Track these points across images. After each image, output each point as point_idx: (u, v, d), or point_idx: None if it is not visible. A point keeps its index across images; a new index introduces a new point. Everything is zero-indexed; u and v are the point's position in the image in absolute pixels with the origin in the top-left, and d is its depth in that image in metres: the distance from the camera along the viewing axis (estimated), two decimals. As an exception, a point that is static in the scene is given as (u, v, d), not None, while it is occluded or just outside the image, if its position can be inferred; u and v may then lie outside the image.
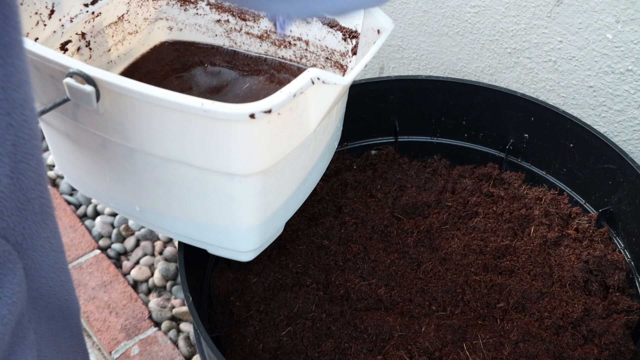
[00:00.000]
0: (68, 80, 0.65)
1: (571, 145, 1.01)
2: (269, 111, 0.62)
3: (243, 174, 0.70)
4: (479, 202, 1.05)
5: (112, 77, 0.64)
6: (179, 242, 0.86)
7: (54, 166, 1.75)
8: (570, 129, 0.99)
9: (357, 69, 0.69)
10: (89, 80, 0.64)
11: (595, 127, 0.99)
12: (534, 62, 1.03)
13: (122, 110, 0.68)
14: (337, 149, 1.10)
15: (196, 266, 0.91)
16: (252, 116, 0.62)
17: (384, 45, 1.27)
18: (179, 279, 1.47)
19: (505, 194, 1.06)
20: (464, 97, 1.07)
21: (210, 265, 0.96)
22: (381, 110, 1.10)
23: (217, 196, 0.74)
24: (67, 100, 0.68)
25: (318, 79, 0.66)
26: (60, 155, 0.88)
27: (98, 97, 0.66)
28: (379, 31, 0.76)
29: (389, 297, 0.92)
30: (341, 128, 0.98)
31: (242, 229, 0.79)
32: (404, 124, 1.12)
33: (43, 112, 0.71)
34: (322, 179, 1.06)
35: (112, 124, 0.70)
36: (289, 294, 0.92)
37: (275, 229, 0.85)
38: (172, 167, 0.73)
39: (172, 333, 1.39)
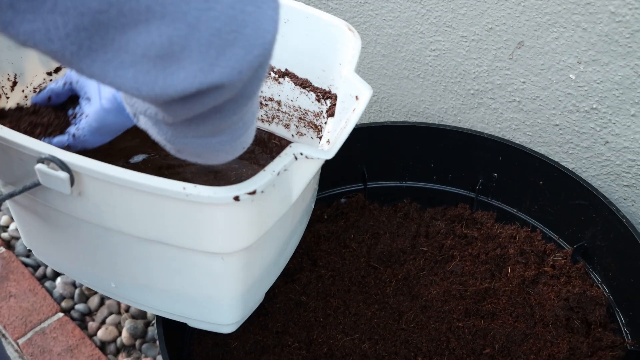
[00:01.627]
0: (40, 166, 0.62)
1: (541, 182, 1.02)
2: (254, 192, 0.61)
3: (226, 253, 0.69)
4: (454, 245, 1.05)
5: (88, 163, 0.63)
6: (157, 317, 0.83)
7: (7, 227, 1.68)
8: (538, 166, 1.01)
9: (341, 140, 0.69)
10: (62, 165, 0.60)
11: (563, 163, 1.01)
12: (498, 103, 1.03)
13: (99, 193, 0.66)
14: None
15: (175, 335, 0.88)
16: (236, 198, 0.60)
17: (344, 90, 1.26)
18: (148, 336, 1.42)
19: (479, 234, 1.06)
20: (431, 140, 1.08)
21: (188, 332, 0.92)
22: (349, 158, 1.08)
23: (199, 273, 0.73)
24: (37, 184, 0.64)
25: (301, 154, 0.65)
26: (27, 231, 0.85)
27: (72, 182, 0.63)
28: (357, 97, 0.74)
29: (374, 352, 0.92)
30: (317, 189, 0.97)
31: (224, 303, 0.78)
32: (372, 170, 1.12)
33: (11, 196, 0.67)
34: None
35: (87, 206, 0.68)
36: (271, 357, 0.91)
37: (256, 299, 0.84)
38: (152, 246, 0.71)
39: (145, 395, 1.33)
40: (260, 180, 0.61)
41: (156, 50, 0.41)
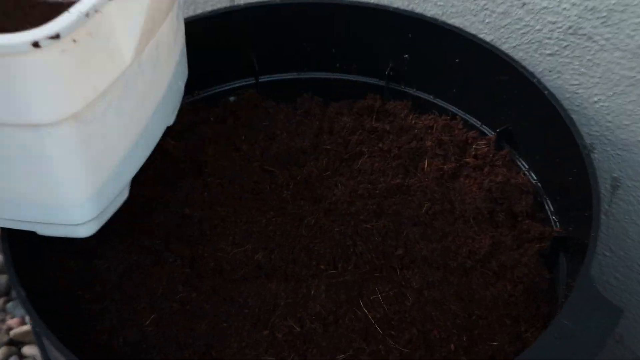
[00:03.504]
0: None
1: (457, 60, 1.05)
2: (57, 36, 0.61)
3: (48, 122, 0.69)
4: (362, 141, 1.08)
5: None
6: (1, 229, 0.84)
7: None
8: (453, 41, 1.04)
9: None
10: None
11: (481, 35, 1.04)
12: (404, -31, 1.05)
13: None
14: (188, 99, 1.12)
15: (29, 259, 0.89)
16: (36, 45, 0.60)
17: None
18: (13, 293, 1.44)
19: (391, 127, 1.09)
20: (328, 21, 1.10)
21: (45, 256, 0.94)
22: (234, 48, 1.11)
23: (31, 157, 0.73)
24: None
25: None
26: None
27: None
28: None
29: (268, 262, 0.94)
30: (185, 65, 0.99)
31: (69, 195, 0.78)
32: (264, 62, 1.14)
33: None
34: (172, 138, 1.07)
35: None
36: (149, 276, 0.92)
37: (114, 192, 0.85)
38: None
39: (12, 359, 1.36)
40: (63, 21, 0.61)
41: None
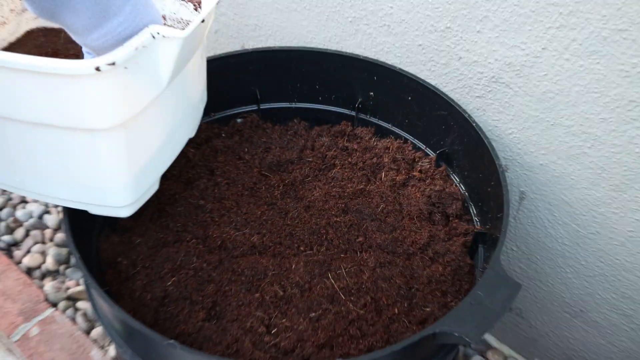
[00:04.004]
0: None
1: (410, 98, 1.10)
2: (114, 64, 0.66)
3: (104, 128, 0.73)
4: (336, 156, 1.13)
5: None
6: (63, 208, 0.88)
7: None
8: (407, 84, 1.08)
9: (195, 24, 0.73)
10: None
11: (428, 80, 1.09)
12: (372, 28, 1.11)
13: None
14: (205, 119, 1.15)
15: (83, 234, 0.93)
16: (97, 69, 0.65)
17: (242, 25, 1.33)
18: (72, 261, 1.48)
19: (358, 146, 1.14)
20: (315, 64, 1.14)
21: (95, 232, 0.98)
22: (243, 81, 1.15)
23: (88, 154, 0.77)
24: None
25: (158, 33, 0.69)
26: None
27: None
28: None
29: (261, 243, 0.99)
30: (205, 92, 1.03)
31: (115, 184, 0.82)
32: (265, 93, 1.19)
33: None
34: (193, 147, 1.11)
35: None
36: (171, 250, 0.97)
37: (148, 183, 0.89)
38: (40, 131, 0.74)
39: (69, 312, 1.40)
40: (119, 52, 0.66)
41: None
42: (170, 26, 0.98)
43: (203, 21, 0.75)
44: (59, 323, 1.36)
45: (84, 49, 0.80)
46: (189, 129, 0.98)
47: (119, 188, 0.83)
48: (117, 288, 0.93)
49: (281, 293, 0.92)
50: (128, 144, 0.79)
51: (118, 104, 0.72)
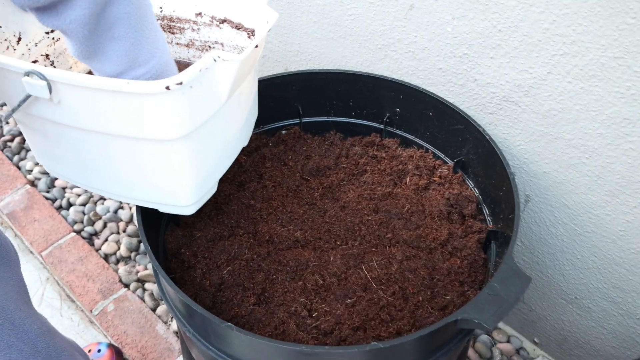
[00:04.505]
0: (25, 78, 0.65)
1: (431, 114, 1.06)
2: (181, 83, 0.64)
3: (171, 139, 0.72)
4: (367, 163, 1.09)
5: (58, 72, 0.66)
6: (137, 207, 0.87)
7: (32, 170, 1.70)
8: (428, 102, 1.05)
9: (250, 48, 0.71)
10: (41, 76, 0.64)
11: (447, 98, 1.05)
12: (399, 54, 1.08)
13: (72, 98, 0.69)
14: (255, 131, 1.13)
15: (152, 228, 0.92)
16: (167, 88, 0.64)
17: (286, 51, 1.30)
18: (140, 249, 1.47)
19: (386, 155, 1.11)
20: (349, 84, 1.11)
21: (162, 227, 0.97)
22: (287, 99, 1.13)
23: (157, 161, 0.76)
24: (29, 96, 0.68)
25: (219, 57, 0.68)
26: (35, 147, 0.88)
27: (50, 90, 0.66)
28: (267, 21, 0.78)
29: (303, 238, 0.96)
30: (256, 109, 1.00)
31: (181, 186, 0.80)
32: (306, 108, 1.16)
33: (14, 110, 0.70)
34: (244, 154, 1.08)
35: (66, 111, 0.71)
36: (226, 243, 0.94)
37: (209, 186, 0.87)
38: (118, 141, 0.74)
39: (139, 292, 1.39)
40: (185, 74, 0.64)
41: None
42: (228, 52, 0.96)
43: (256, 46, 0.73)
44: (131, 301, 1.34)
45: None
46: (243, 139, 0.96)
47: (184, 190, 0.81)
48: (181, 275, 0.91)
49: (321, 282, 0.89)
50: (193, 152, 0.77)
51: (184, 118, 0.71)
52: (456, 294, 0.88)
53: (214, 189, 0.90)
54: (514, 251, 1.18)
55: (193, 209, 0.85)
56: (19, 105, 0.70)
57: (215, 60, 0.67)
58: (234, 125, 0.88)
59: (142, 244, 1.40)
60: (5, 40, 0.86)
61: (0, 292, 0.72)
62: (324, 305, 0.86)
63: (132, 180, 0.81)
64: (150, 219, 0.89)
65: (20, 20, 0.89)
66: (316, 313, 0.85)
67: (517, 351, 1.30)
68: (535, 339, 1.29)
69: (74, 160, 0.82)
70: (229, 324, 0.71)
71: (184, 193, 0.81)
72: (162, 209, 0.85)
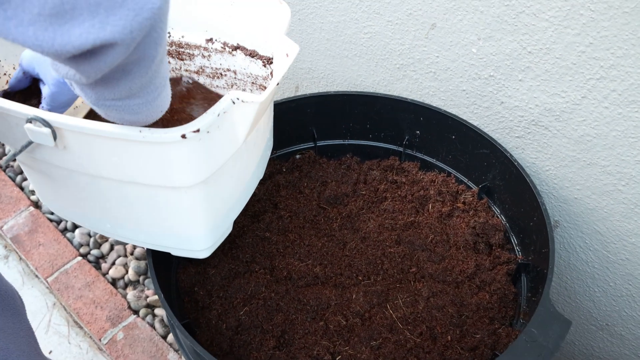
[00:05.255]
0: (28, 125, 0.60)
1: (453, 137, 1.01)
2: (198, 130, 0.60)
3: (187, 186, 0.67)
4: (387, 189, 1.05)
5: (62, 118, 0.61)
6: (147, 249, 0.82)
7: (34, 191, 1.65)
8: (451, 124, 1.00)
9: (270, 88, 0.66)
10: (44, 123, 0.59)
11: (470, 121, 1.01)
12: (418, 74, 1.02)
13: (78, 144, 0.64)
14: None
15: (163, 265, 0.87)
16: (183, 136, 0.59)
17: (297, 68, 1.25)
18: (149, 273, 1.42)
19: (406, 179, 1.06)
20: (366, 106, 1.06)
21: (175, 263, 0.92)
22: (301, 122, 1.08)
23: (170, 207, 0.71)
24: (31, 142, 0.63)
25: (238, 99, 0.63)
26: (39, 188, 0.83)
27: (55, 137, 0.61)
28: (287, 55, 0.72)
29: (323, 274, 0.91)
30: (272, 139, 0.95)
31: (196, 232, 0.76)
32: (321, 131, 1.11)
33: (14, 155, 0.65)
34: (259, 183, 1.02)
35: (72, 157, 0.67)
36: (242, 280, 0.90)
37: (224, 228, 0.83)
38: (130, 187, 0.69)
39: (149, 318, 1.34)
40: (203, 120, 0.60)
41: (49, 8, 0.40)
42: (241, 80, 0.91)
43: (278, 84, 0.67)
44: (140, 328, 1.30)
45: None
46: (259, 174, 0.91)
47: (199, 235, 0.77)
48: (195, 316, 0.86)
49: (344, 322, 0.84)
50: (208, 196, 0.72)
51: (200, 165, 0.66)
52: (487, 333, 0.83)
53: (230, 229, 0.85)
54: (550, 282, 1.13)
55: (208, 253, 0.81)
56: (20, 151, 0.65)
57: (234, 102, 0.62)
58: (250, 163, 0.83)
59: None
60: (5, 74, 0.81)
61: (13, 347, 0.69)
62: (347, 348, 0.81)
63: (143, 225, 0.76)
64: (161, 255, 0.84)
65: (20, 53, 0.84)
66: (340, 357, 0.81)
67: (542, 375, 1.25)
68: (562, 363, 1.24)
69: (81, 204, 0.77)
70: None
71: (199, 238, 0.77)
72: (176, 252, 0.81)
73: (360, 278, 0.91)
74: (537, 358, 0.69)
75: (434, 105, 1.02)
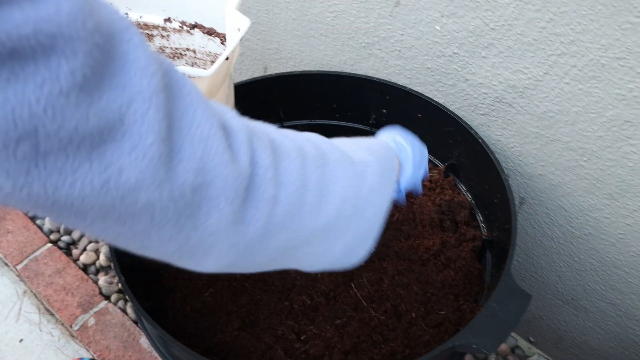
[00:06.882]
0: None
1: (419, 115, 1.01)
2: None
3: None
4: None
5: None
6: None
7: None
8: (417, 103, 0.99)
9: (219, 62, 0.64)
10: None
11: (436, 99, 1.00)
12: (384, 53, 1.01)
13: None
14: None
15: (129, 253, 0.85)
16: None
17: (265, 49, 1.23)
18: (111, 256, 1.40)
19: None
20: (332, 85, 1.05)
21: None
22: (267, 103, 1.06)
23: None
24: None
25: (184, 74, 0.60)
26: None
27: None
28: (239, 29, 0.70)
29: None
30: None
31: None
32: (288, 112, 1.09)
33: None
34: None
35: None
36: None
37: None
38: None
39: (120, 303, 1.33)
40: None
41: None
42: (200, 59, 0.89)
43: (227, 59, 0.66)
44: (112, 314, 1.28)
45: None
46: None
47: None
48: (161, 300, 0.85)
49: (309, 302, 0.84)
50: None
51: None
52: (451, 309, 0.83)
53: None
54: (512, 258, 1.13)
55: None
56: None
57: None
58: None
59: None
60: None
61: None
62: (312, 327, 0.81)
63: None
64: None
65: None
66: (305, 336, 0.80)
67: (512, 350, 1.27)
68: (531, 338, 1.25)
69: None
70: (210, 360, 0.65)
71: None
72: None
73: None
74: (497, 332, 0.69)
75: (400, 83, 1.01)
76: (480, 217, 0.94)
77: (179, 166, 0.33)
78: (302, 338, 0.80)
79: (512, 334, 1.28)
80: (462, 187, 0.98)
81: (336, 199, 0.45)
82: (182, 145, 0.34)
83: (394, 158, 0.59)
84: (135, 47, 0.31)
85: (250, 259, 0.42)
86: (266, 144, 0.41)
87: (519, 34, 0.81)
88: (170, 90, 0.34)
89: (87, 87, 0.28)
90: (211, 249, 0.39)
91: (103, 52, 0.28)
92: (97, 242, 1.44)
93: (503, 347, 1.26)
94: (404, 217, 0.95)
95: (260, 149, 0.40)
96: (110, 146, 0.30)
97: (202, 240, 0.38)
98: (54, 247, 1.41)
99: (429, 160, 1.03)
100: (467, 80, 0.93)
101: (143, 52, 0.31)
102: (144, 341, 1.23)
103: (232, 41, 0.68)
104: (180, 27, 0.86)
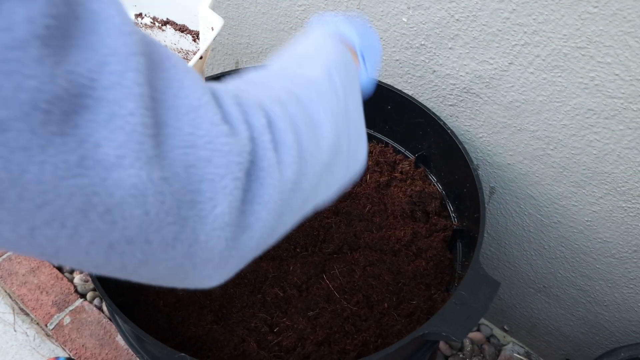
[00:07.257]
0: None
1: (389, 107, 1.01)
2: None
3: None
4: None
5: None
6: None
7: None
8: (387, 95, 1.00)
9: (192, 62, 0.64)
10: None
11: (405, 91, 1.00)
12: (353, 45, 1.01)
13: None
14: None
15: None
16: None
17: (236, 43, 1.22)
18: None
19: None
20: None
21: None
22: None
23: None
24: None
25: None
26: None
27: None
28: (212, 28, 0.70)
29: None
30: None
31: None
32: None
33: None
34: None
35: None
36: None
37: None
38: None
39: (96, 301, 1.32)
40: None
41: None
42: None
43: (201, 58, 0.66)
44: (88, 312, 1.27)
45: None
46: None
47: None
48: (133, 295, 0.85)
49: (281, 294, 0.84)
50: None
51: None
52: (422, 299, 0.84)
53: None
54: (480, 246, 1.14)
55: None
56: None
57: None
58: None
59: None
60: None
61: None
62: (285, 319, 0.81)
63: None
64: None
65: None
66: (277, 328, 0.80)
67: (488, 339, 1.28)
68: (505, 327, 1.27)
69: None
70: (182, 354, 0.65)
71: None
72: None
73: (298, 250, 0.90)
74: (466, 319, 0.70)
75: (370, 76, 1.01)
76: (451, 207, 0.95)
77: (167, 141, 0.28)
78: (275, 330, 0.80)
79: (487, 323, 1.29)
80: (433, 178, 0.99)
81: (326, 122, 0.42)
82: (168, 116, 0.29)
83: (347, 51, 0.55)
84: (107, 5, 0.26)
85: (268, 236, 0.37)
86: (255, 104, 0.36)
87: (483, 25, 0.82)
88: (152, 60, 0.29)
89: (52, 43, 0.23)
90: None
91: (67, 4, 0.24)
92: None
93: (479, 336, 1.27)
94: (375, 208, 0.95)
95: (250, 113, 0.35)
96: (83, 116, 0.25)
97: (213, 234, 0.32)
98: (28, 247, 1.39)
99: (400, 152, 1.03)
100: (435, 71, 0.93)
101: (116, 11, 0.27)
102: (120, 339, 1.23)
103: (206, 40, 0.67)
104: (151, 23, 0.85)
